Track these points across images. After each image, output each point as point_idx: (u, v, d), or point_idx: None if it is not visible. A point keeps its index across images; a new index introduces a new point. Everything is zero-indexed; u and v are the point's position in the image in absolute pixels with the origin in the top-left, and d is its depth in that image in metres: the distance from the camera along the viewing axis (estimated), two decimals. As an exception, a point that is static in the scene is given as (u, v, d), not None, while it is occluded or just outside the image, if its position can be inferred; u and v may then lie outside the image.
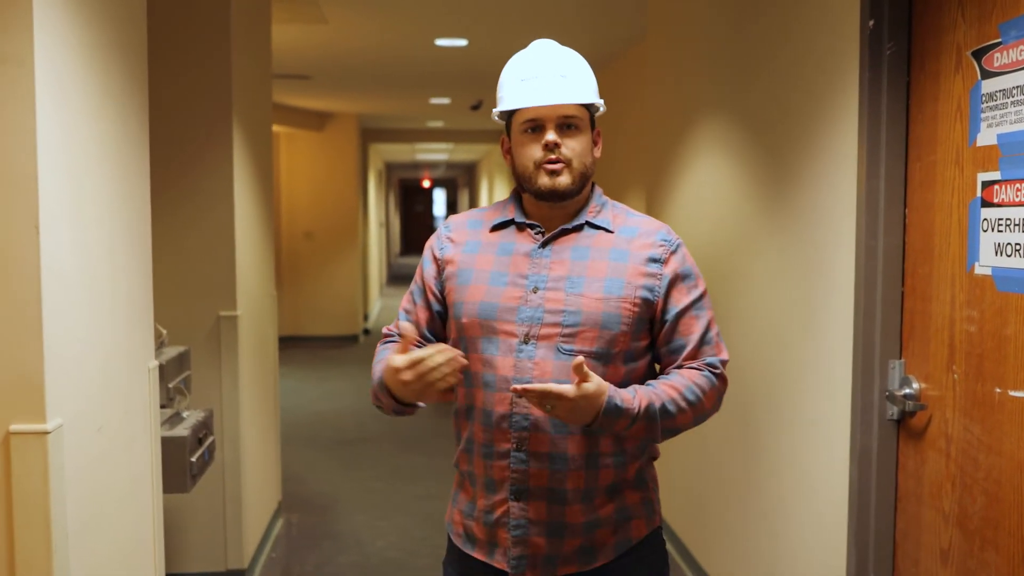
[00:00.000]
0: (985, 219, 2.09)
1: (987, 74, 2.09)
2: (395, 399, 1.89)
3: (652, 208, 4.83)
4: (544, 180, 1.92)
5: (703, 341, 1.94)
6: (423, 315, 2.06)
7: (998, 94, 2.05)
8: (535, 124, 1.92)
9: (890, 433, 2.48)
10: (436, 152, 18.59)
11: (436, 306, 2.05)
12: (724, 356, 1.97)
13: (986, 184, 2.09)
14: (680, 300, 1.94)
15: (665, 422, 1.87)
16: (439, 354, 1.78)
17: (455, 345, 1.99)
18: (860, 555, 2.54)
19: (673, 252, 1.96)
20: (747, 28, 3.47)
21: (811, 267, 2.90)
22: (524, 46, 2.03)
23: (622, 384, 1.92)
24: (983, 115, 2.10)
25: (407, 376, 1.79)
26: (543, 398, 1.75)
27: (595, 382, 1.78)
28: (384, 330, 2.13)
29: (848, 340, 2.59)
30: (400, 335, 1.87)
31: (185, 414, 3.21)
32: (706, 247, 3.90)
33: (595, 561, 1.95)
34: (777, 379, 3.18)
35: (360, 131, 12.23)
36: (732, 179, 3.67)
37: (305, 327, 11.49)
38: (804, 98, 2.94)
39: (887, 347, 2.47)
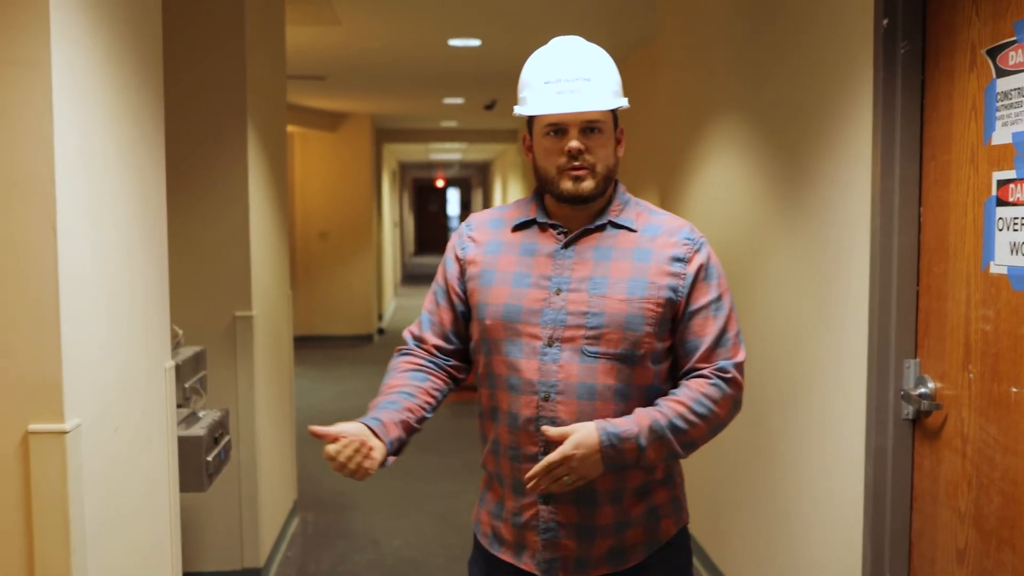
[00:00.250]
0: (1000, 218, 2.08)
1: (1002, 72, 2.08)
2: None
3: (665, 207, 4.82)
4: (567, 185, 1.90)
5: (718, 342, 1.91)
6: (446, 316, 2.05)
7: (1013, 92, 2.04)
8: (557, 128, 1.90)
9: (905, 433, 2.48)
10: (450, 152, 18.62)
11: (459, 306, 2.04)
12: (739, 358, 1.93)
13: (1001, 183, 2.08)
14: (699, 299, 1.91)
15: (679, 438, 1.85)
16: (346, 448, 1.80)
17: (478, 347, 1.99)
18: (876, 555, 2.54)
19: (697, 251, 1.94)
20: (760, 27, 3.46)
21: (825, 266, 2.89)
22: (537, 46, 2.01)
23: (651, 387, 1.91)
24: (998, 114, 2.09)
25: (334, 467, 1.82)
26: (549, 473, 1.78)
27: (573, 425, 1.80)
28: (404, 333, 2.12)
29: (863, 339, 2.58)
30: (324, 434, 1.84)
31: (201, 414, 3.23)
32: (720, 246, 3.89)
33: (626, 563, 1.94)
34: (792, 379, 3.18)
35: (374, 131, 12.26)
36: (746, 178, 3.67)
37: (320, 327, 11.52)
38: (818, 97, 2.93)
39: (902, 346, 2.47)
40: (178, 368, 3.06)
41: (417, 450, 6.79)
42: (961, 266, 2.24)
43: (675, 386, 1.95)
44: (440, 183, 30.42)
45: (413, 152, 18.29)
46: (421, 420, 1.95)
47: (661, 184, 5.04)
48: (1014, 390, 2.04)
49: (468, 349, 2.07)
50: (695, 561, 4.25)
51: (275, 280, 4.60)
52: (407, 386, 1.98)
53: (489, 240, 2.02)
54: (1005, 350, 2.07)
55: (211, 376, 3.80)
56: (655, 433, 1.82)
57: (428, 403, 1.98)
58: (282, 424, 4.77)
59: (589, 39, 2.00)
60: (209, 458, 3.04)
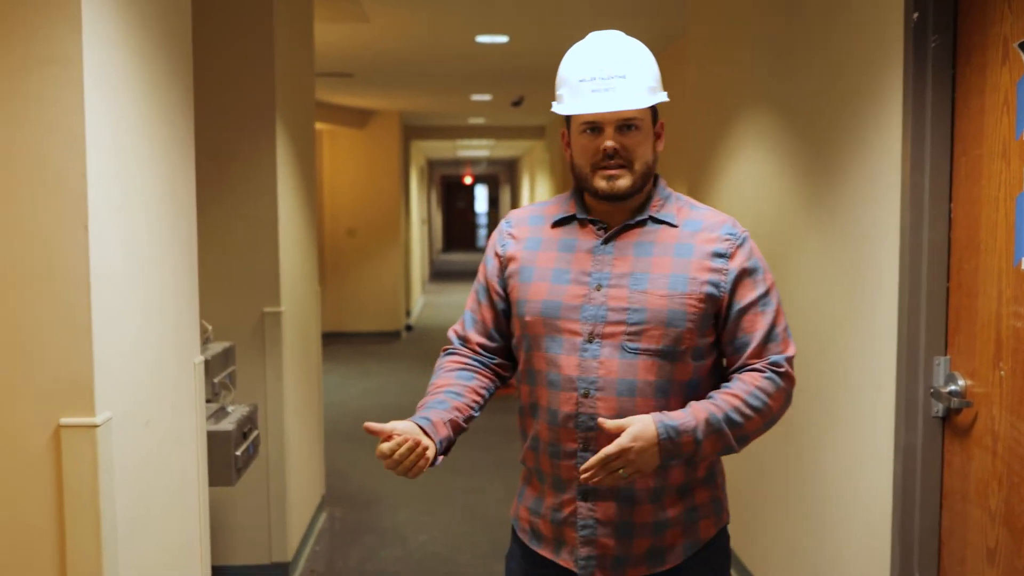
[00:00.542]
0: (1032, 213, 2.05)
1: (1035, 66, 2.06)
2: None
3: (694, 204, 4.79)
4: (601, 184, 1.89)
5: (769, 338, 1.89)
6: (488, 314, 2.05)
7: (1046, 86, 2.02)
8: (593, 126, 1.89)
9: (935, 430, 2.45)
10: (478, 148, 18.63)
11: (500, 304, 2.04)
12: (790, 352, 1.91)
13: (1034, 178, 2.05)
14: (746, 295, 1.89)
15: (734, 431, 1.83)
16: (401, 447, 1.78)
17: (518, 343, 2.00)
18: (905, 553, 2.52)
19: (739, 246, 1.91)
20: (789, 22, 3.44)
21: (855, 262, 2.87)
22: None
23: (691, 383, 1.89)
24: (1031, 108, 2.06)
25: (387, 465, 1.80)
26: (606, 466, 1.75)
27: (629, 418, 1.78)
28: (449, 332, 2.12)
29: (892, 336, 2.56)
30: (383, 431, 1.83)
31: (230, 408, 3.26)
32: (748, 243, 3.87)
33: (664, 564, 1.93)
34: (821, 375, 3.15)
35: (402, 128, 12.29)
36: (775, 174, 3.65)
37: (348, 323, 11.57)
38: (848, 92, 2.91)
39: (932, 343, 2.45)
40: (207, 363, 3.08)
41: (444, 446, 6.81)
42: (992, 262, 2.22)
43: (721, 383, 1.93)
44: (468, 180, 30.45)
45: (441, 149, 18.33)
46: (469, 419, 1.96)
47: (690, 179, 5.02)
48: (1046, 388, 2.02)
49: (512, 347, 2.07)
50: (722, 559, 4.23)
51: (303, 276, 4.63)
52: (454, 385, 1.99)
53: (529, 236, 2.02)
54: (1037, 347, 2.05)
55: (240, 371, 3.83)
56: (712, 426, 1.80)
57: (476, 402, 1.99)
58: (310, 420, 4.80)
59: (619, 35, 1.99)
60: (238, 453, 3.07)
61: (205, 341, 3.32)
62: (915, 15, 2.42)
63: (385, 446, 1.79)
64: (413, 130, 13.73)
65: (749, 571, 3.95)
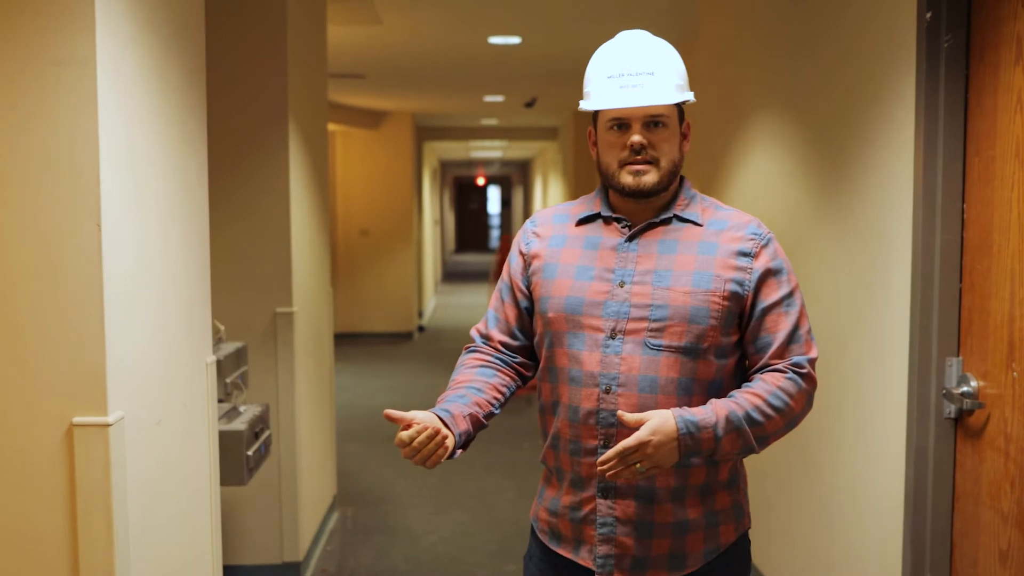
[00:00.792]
0: (1046, 214, 2.04)
1: (1048, 66, 2.05)
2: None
3: (706, 204, 4.78)
4: (628, 180, 1.89)
5: (792, 339, 1.88)
6: (511, 313, 2.06)
7: (1059, 86, 2.01)
8: (621, 122, 1.89)
9: (947, 431, 2.44)
10: (490, 150, 18.64)
11: (524, 302, 2.04)
12: (813, 354, 1.90)
13: (1047, 178, 2.05)
14: (769, 296, 1.89)
15: (755, 430, 1.82)
16: (420, 435, 1.77)
17: (541, 341, 1.99)
18: (916, 555, 2.51)
19: (764, 246, 1.91)
20: (801, 22, 3.43)
21: (867, 263, 2.86)
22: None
23: (714, 382, 1.89)
24: (1044, 108, 2.05)
25: (405, 454, 1.79)
26: (624, 458, 1.73)
27: (648, 412, 1.77)
28: (472, 331, 2.13)
29: (905, 337, 2.55)
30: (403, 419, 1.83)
31: (242, 408, 3.27)
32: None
33: (684, 568, 1.92)
34: (833, 376, 3.15)
35: (415, 129, 12.31)
36: (787, 174, 3.64)
37: (360, 324, 11.59)
38: (860, 92, 2.90)
39: (945, 344, 2.44)
40: (220, 363, 3.09)
41: (456, 447, 6.82)
42: (1005, 263, 2.21)
43: (743, 383, 1.92)
44: (481, 181, 30.47)
45: (454, 150, 18.35)
46: (489, 416, 1.95)
47: (702, 179, 5.01)
48: (1059, 389, 2.01)
49: (534, 346, 2.07)
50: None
51: (316, 277, 4.64)
52: (475, 381, 1.99)
53: (553, 234, 2.02)
54: (1050, 348, 2.04)
55: (252, 371, 3.85)
56: (732, 424, 1.79)
57: (496, 399, 1.98)
58: (322, 420, 4.81)
59: (628, 37, 1.99)
60: (249, 452, 3.08)
61: (217, 341, 3.34)
62: (928, 14, 2.41)
63: (404, 434, 1.78)
64: (426, 131, 13.74)
65: (761, 572, 3.94)
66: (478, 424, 1.92)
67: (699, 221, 1.94)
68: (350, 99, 10.08)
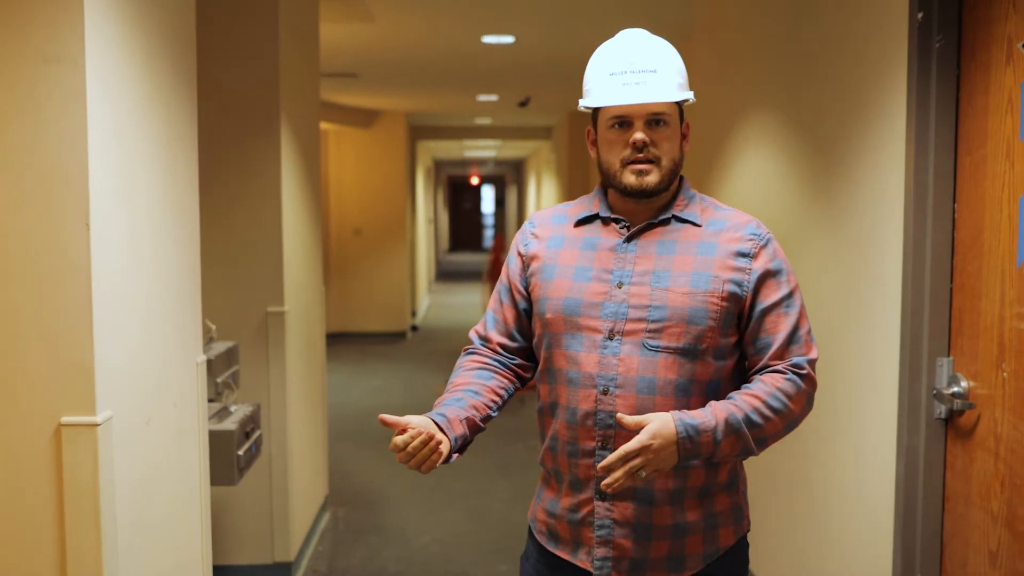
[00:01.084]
0: (1036, 214, 2.05)
1: (1038, 66, 2.05)
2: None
3: (698, 204, 4.78)
4: (630, 179, 1.88)
5: (791, 339, 1.88)
6: (509, 314, 2.05)
7: (1049, 87, 2.01)
8: (622, 120, 1.88)
9: (938, 432, 2.45)
10: (484, 149, 18.64)
11: (522, 304, 2.03)
12: (813, 355, 1.89)
13: (1037, 179, 2.05)
14: (768, 296, 1.88)
15: (754, 432, 1.81)
16: (414, 440, 1.76)
17: (539, 342, 1.99)
18: (907, 555, 2.51)
19: (763, 246, 1.90)
20: (793, 23, 3.43)
21: (858, 263, 2.86)
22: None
23: (712, 383, 1.88)
24: (1034, 108, 2.06)
25: (400, 458, 1.79)
26: (626, 462, 1.72)
27: (648, 415, 1.76)
28: (470, 332, 2.12)
29: (895, 337, 2.55)
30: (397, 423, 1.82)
31: (233, 408, 3.26)
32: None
33: (683, 570, 1.91)
34: (823, 376, 3.14)
35: (408, 128, 12.29)
36: (779, 174, 3.64)
37: (353, 323, 11.57)
38: (852, 92, 2.90)
39: (935, 344, 2.44)
40: (210, 363, 3.09)
41: (449, 446, 6.82)
42: (995, 263, 2.21)
43: (742, 385, 1.92)
44: (475, 180, 30.46)
45: (447, 149, 18.34)
46: (486, 419, 1.95)
47: (695, 180, 5.01)
48: (1049, 389, 2.01)
49: (533, 347, 2.06)
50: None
51: (308, 276, 4.63)
52: (473, 384, 1.98)
53: (552, 235, 2.01)
54: (1040, 349, 2.04)
55: (243, 371, 3.84)
56: (731, 427, 1.78)
57: (494, 402, 1.98)
58: (314, 419, 4.81)
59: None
60: (240, 452, 3.07)
61: (209, 341, 3.33)
62: (920, 15, 2.42)
63: (399, 439, 1.78)
64: (419, 130, 13.73)
65: (751, 572, 3.95)
66: (475, 428, 1.92)
67: (698, 221, 1.93)
68: (343, 98, 10.06)
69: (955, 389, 2.36)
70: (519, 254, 2.04)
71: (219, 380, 3.22)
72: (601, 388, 1.86)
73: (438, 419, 1.85)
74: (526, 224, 2.09)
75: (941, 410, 2.42)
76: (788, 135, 3.53)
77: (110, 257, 2.02)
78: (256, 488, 4.06)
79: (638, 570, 1.90)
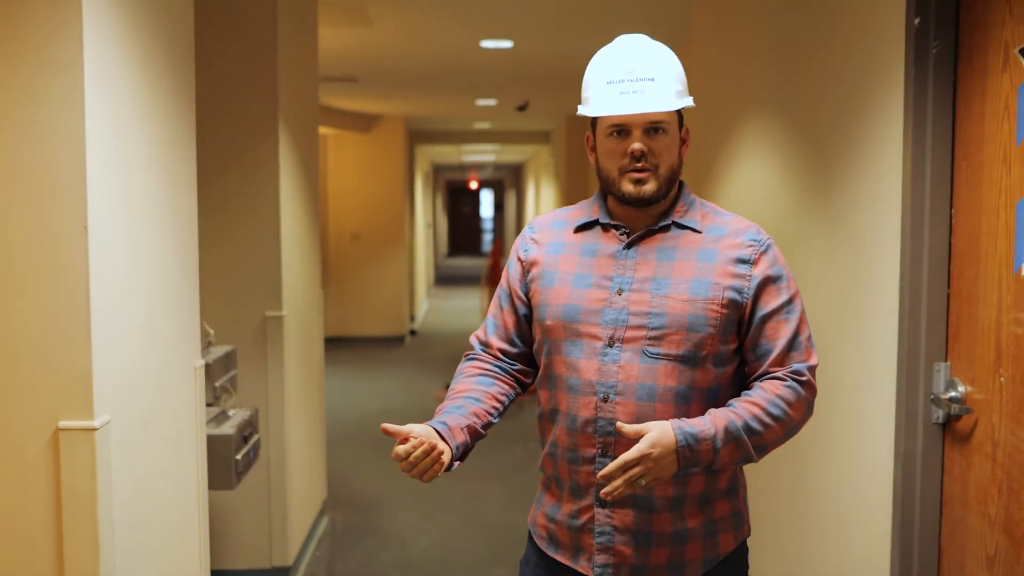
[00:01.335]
0: (1033, 219, 2.05)
1: (1035, 72, 2.05)
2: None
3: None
4: (629, 188, 1.88)
5: (791, 346, 1.87)
6: (510, 319, 2.05)
7: (1046, 92, 2.01)
8: (621, 128, 1.87)
9: (935, 437, 2.45)
10: (483, 153, 18.65)
11: (522, 309, 2.03)
12: (813, 362, 1.89)
13: (1034, 184, 2.05)
14: (769, 303, 1.88)
15: (754, 440, 1.81)
16: (416, 450, 1.76)
17: (539, 348, 1.99)
18: (904, 560, 2.51)
19: (763, 252, 1.90)
20: (791, 27, 3.44)
21: (855, 268, 2.86)
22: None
23: (712, 390, 1.88)
24: (1031, 114, 2.06)
25: (402, 468, 1.78)
26: (625, 471, 1.72)
27: (647, 423, 1.76)
28: (471, 338, 2.12)
29: (893, 342, 2.56)
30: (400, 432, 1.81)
31: (231, 412, 3.26)
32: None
33: None
34: (821, 382, 3.13)
35: (407, 133, 12.30)
36: (776, 179, 3.65)
37: (352, 328, 11.57)
38: (849, 97, 2.91)
39: (932, 350, 2.44)
40: (208, 367, 3.08)
41: (447, 451, 6.81)
42: (993, 269, 2.22)
43: (742, 391, 1.91)
44: (473, 185, 30.47)
45: (446, 154, 18.35)
46: (487, 425, 1.95)
47: (692, 184, 5.02)
48: (1046, 394, 2.01)
49: (533, 352, 2.06)
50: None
51: (306, 281, 4.63)
52: (473, 391, 1.98)
53: (551, 241, 2.01)
54: (1037, 354, 2.04)
55: (241, 375, 3.84)
56: (731, 434, 1.78)
57: (495, 408, 1.98)
58: (312, 424, 4.80)
59: (620, 42, 1.98)
60: (238, 457, 3.07)
61: (207, 345, 3.33)
62: (916, 20, 2.42)
63: (401, 448, 1.77)
64: (418, 134, 13.74)
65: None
66: (476, 435, 1.92)
67: (698, 228, 1.93)
68: (342, 102, 10.07)
69: (952, 394, 2.36)
70: (519, 259, 2.04)
71: (217, 384, 3.22)
72: (601, 395, 1.86)
73: (439, 427, 1.85)
74: (526, 229, 2.09)
75: (938, 415, 2.42)
76: (785, 139, 3.53)
77: (108, 261, 2.02)
78: (254, 492, 4.06)
79: None
